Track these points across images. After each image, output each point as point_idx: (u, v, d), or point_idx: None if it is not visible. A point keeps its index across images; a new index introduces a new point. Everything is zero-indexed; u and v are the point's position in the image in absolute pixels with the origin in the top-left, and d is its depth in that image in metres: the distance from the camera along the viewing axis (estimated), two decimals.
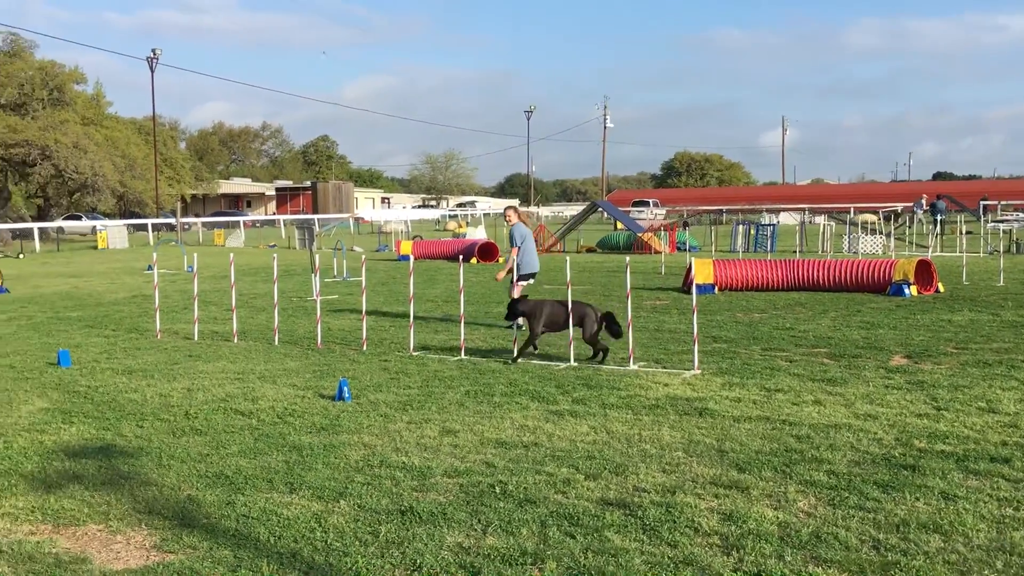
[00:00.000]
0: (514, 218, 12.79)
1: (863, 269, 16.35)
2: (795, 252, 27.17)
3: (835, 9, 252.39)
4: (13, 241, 43.20)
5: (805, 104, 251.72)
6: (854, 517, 5.08)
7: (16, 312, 15.59)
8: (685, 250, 28.40)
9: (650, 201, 68.96)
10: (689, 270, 17.14)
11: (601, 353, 9.98)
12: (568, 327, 9.98)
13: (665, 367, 9.60)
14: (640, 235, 29.45)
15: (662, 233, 28.85)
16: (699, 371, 9.27)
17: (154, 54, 50.02)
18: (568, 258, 11.30)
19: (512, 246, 12.38)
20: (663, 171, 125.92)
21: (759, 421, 7.21)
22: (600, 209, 35.93)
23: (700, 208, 60.52)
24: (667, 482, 5.74)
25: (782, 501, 5.36)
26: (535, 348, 10.36)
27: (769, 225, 31.36)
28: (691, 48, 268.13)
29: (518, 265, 12.11)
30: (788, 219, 52.06)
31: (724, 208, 53.57)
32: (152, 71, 50.33)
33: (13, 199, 52.94)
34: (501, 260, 25.79)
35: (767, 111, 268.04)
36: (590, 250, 30.54)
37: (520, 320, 10.71)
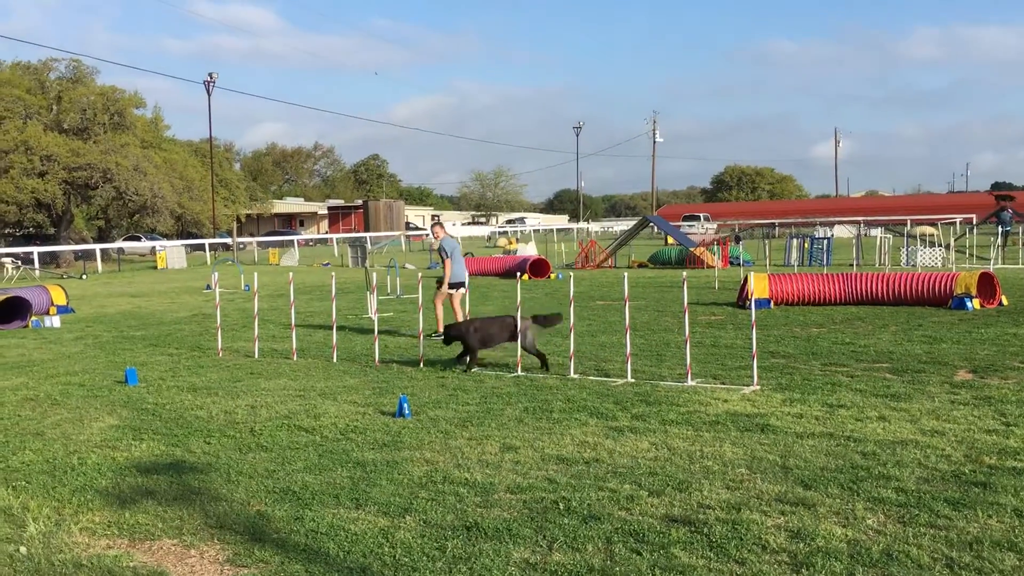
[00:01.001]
0: (441, 233, 13.99)
1: (923, 282, 16.07)
2: (851, 265, 26.78)
3: (890, 19, 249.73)
4: (76, 262, 44.38)
5: (858, 115, 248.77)
6: (925, 535, 5.00)
7: (83, 331, 16.01)
8: (738, 264, 28.16)
9: (701, 215, 68.48)
10: (744, 284, 17.01)
11: (542, 360, 10.57)
12: (503, 341, 10.73)
13: (723, 383, 9.54)
14: (692, 250, 29.27)
15: (715, 247, 28.64)
16: (758, 387, 9.19)
17: (211, 78, 51.20)
18: (626, 274, 11.29)
19: (444, 259, 13.40)
20: (713, 185, 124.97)
21: (822, 437, 7.13)
22: (651, 224, 35.78)
23: (752, 222, 59.96)
24: (731, 499, 5.70)
25: (850, 518, 5.30)
26: (473, 365, 10.83)
27: (824, 238, 30.95)
28: (743, 61, 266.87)
29: (454, 274, 13.27)
30: (842, 232, 51.31)
31: (776, 221, 53.03)
32: (209, 94, 51.53)
33: (76, 221, 54.41)
34: (553, 276, 25.84)
35: (819, 123, 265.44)
36: (641, 265, 30.43)
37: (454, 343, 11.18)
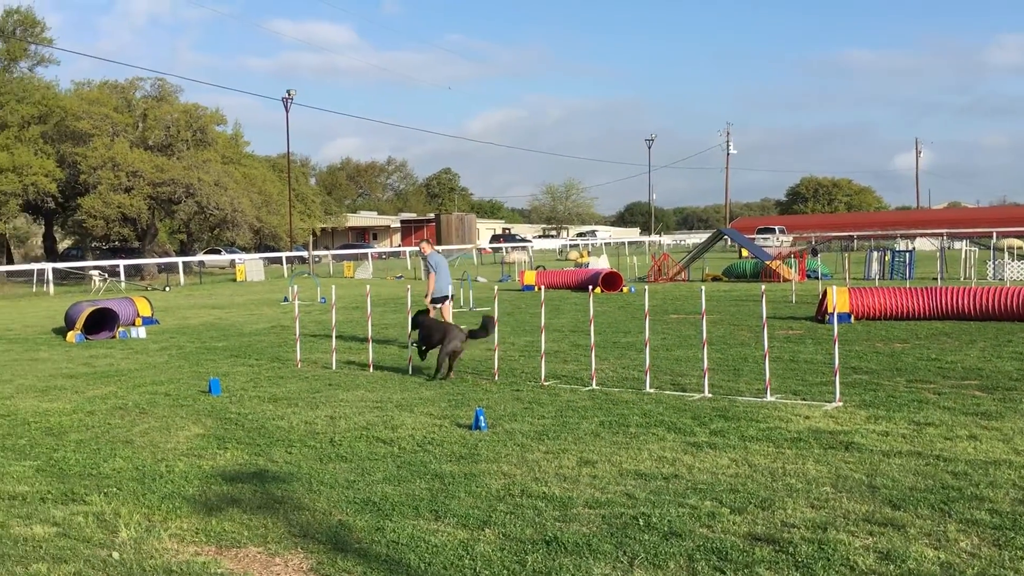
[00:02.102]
0: (428, 249, 14.76)
1: (1013, 297, 15.51)
2: (935, 279, 26.02)
3: (973, 27, 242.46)
4: (160, 274, 45.76)
5: (940, 125, 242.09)
6: (1023, 559, 4.81)
7: (167, 342, 16.48)
8: (815, 278, 27.60)
9: (776, 228, 67.37)
10: (823, 298, 16.66)
11: (449, 367, 11.33)
12: (438, 344, 11.37)
13: (804, 399, 9.34)
14: (768, 263, 28.80)
15: (791, 260, 28.13)
16: (841, 403, 8.98)
17: (289, 95, 52.33)
18: (703, 287, 11.17)
19: (429, 272, 14.22)
20: (788, 197, 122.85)
21: (910, 456, 6.93)
22: (725, 237, 35.34)
23: (829, 234, 58.75)
24: (817, 518, 5.57)
25: (942, 540, 5.13)
26: (422, 358, 11.82)
27: (906, 251, 30.14)
28: (820, 70, 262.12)
29: (438, 288, 14.10)
30: (925, 245, 49.91)
31: (855, 234, 51.85)
32: (287, 110, 52.68)
33: (159, 235, 56.16)
34: (626, 290, 25.70)
35: (899, 133, 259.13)
36: (715, 278, 30.05)
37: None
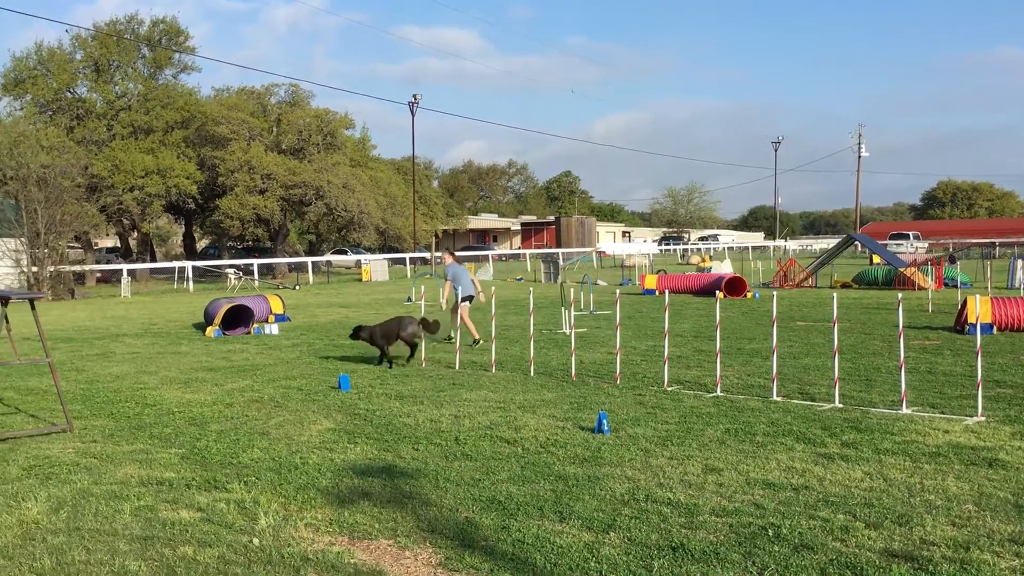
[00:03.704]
0: (449, 260, 16.60)
1: None
2: None
3: None
4: (290, 273, 47.52)
5: None
6: None
7: (298, 339, 17.10)
8: (954, 286, 26.32)
9: (910, 233, 64.60)
10: (963, 308, 15.89)
11: (412, 349, 13.06)
12: (398, 338, 12.93)
13: (943, 412, 8.93)
14: (902, 270, 27.64)
15: (927, 268, 26.92)
16: (983, 418, 8.54)
17: (415, 99, 53.59)
18: (835, 294, 10.80)
19: (446, 279, 16.18)
20: (924, 201, 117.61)
21: None
22: (855, 242, 34.09)
23: (968, 241, 55.92)
24: (958, 536, 5.33)
25: None
26: (389, 363, 13.01)
27: None
28: (964, 70, 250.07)
29: (457, 290, 15.67)
30: None
31: (997, 241, 49.18)
32: (412, 114, 53.95)
33: (290, 235, 58.35)
34: (750, 295, 25.15)
35: None
36: (845, 285, 29.05)
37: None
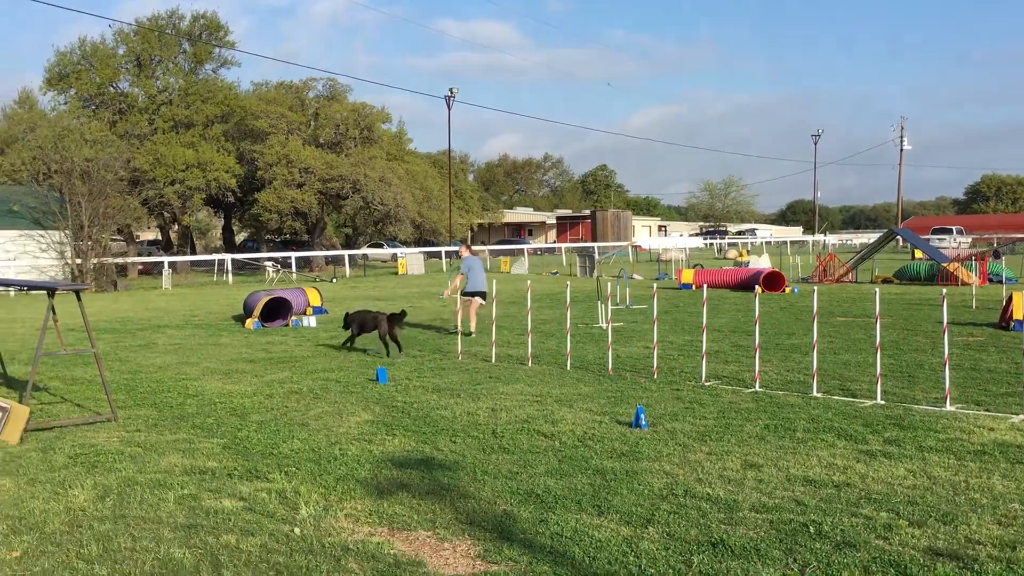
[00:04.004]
0: (465, 253, 17.02)
1: None
2: None
3: None
4: (327, 266, 47.87)
5: None
6: None
7: (336, 331, 17.22)
8: (998, 282, 25.86)
9: (953, 228, 63.55)
10: (1008, 304, 15.61)
11: (392, 346, 13.55)
12: (373, 328, 13.75)
13: (988, 410, 8.79)
14: (945, 265, 27.21)
15: (971, 263, 26.47)
16: None
17: (451, 93, 53.66)
18: (877, 289, 10.65)
19: (459, 273, 16.60)
20: (967, 195, 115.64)
21: None
22: (897, 237, 33.62)
23: (1014, 236, 54.88)
24: (1004, 536, 5.25)
25: None
26: (348, 346, 14.15)
27: None
28: (1009, 61, 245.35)
29: (468, 284, 16.26)
30: None
31: None
32: (449, 109, 54.02)
33: (327, 228, 58.77)
34: (788, 290, 24.91)
35: None
36: (886, 280, 28.65)
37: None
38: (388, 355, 13.34)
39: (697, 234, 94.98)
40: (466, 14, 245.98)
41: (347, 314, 14.39)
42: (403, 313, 14.35)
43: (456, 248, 51.23)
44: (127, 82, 49.73)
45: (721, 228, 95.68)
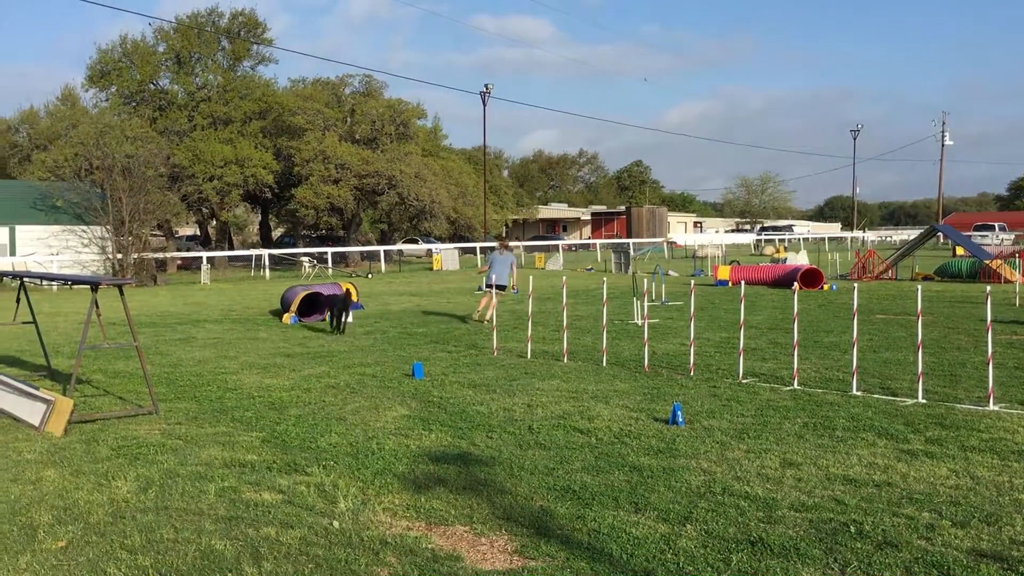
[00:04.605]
0: (501, 247, 18.13)
1: None
2: None
3: None
4: (363, 262, 48.17)
5: None
6: None
7: (372, 327, 17.34)
8: None
9: (995, 225, 62.47)
10: None
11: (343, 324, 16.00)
12: (342, 305, 16.15)
13: None
14: (987, 262, 26.74)
15: (1015, 260, 25.99)
16: None
17: (487, 88, 53.68)
18: (919, 287, 10.49)
19: (488, 265, 17.89)
20: (1010, 191, 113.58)
21: None
22: (938, 233, 33.10)
23: None
24: None
25: None
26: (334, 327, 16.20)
27: None
28: None
29: (491, 276, 17.36)
30: None
31: None
32: (484, 104, 54.06)
33: (363, 224, 59.11)
34: (827, 287, 24.64)
35: None
36: (927, 277, 28.23)
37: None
38: (341, 330, 15.91)
39: (734, 230, 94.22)
40: (502, 10, 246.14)
41: (321, 298, 16.75)
42: (348, 293, 16.89)
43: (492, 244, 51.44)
44: (167, 79, 50.42)
45: (771, 224, 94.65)
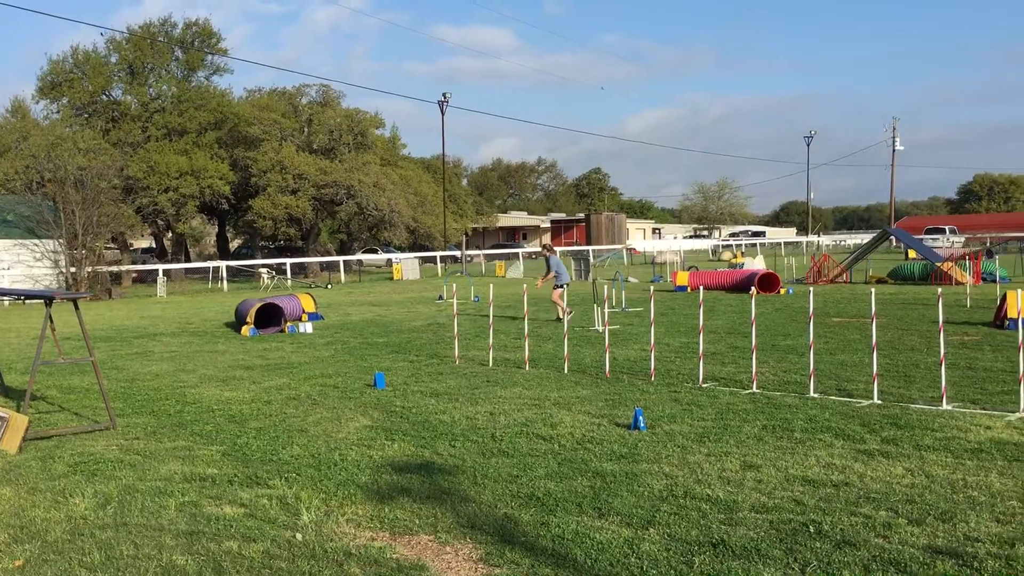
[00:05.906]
0: (549, 253, 19.53)
1: None
2: None
3: None
4: (322, 272, 47.86)
5: None
6: None
7: (332, 337, 17.24)
8: (992, 281, 25.97)
9: (946, 228, 63.77)
10: (1002, 303, 15.69)
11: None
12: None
13: (984, 408, 8.83)
14: (939, 265, 27.31)
15: (965, 262, 26.58)
16: None
17: (444, 98, 53.64)
18: (873, 290, 10.67)
19: (549, 271, 19.12)
20: (959, 195, 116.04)
21: None
22: (891, 237, 33.70)
23: (1007, 235, 55.07)
24: (1003, 533, 5.28)
25: None
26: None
27: None
28: (1002, 63, 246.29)
29: (557, 276, 18.75)
30: None
31: None
32: (443, 113, 54.00)
33: (321, 234, 58.73)
34: (783, 291, 24.97)
35: None
36: (880, 280, 28.74)
37: None
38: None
39: (692, 236, 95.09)
40: (463, 20, 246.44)
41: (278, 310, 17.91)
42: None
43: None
44: (120, 90, 49.75)
45: (705, 231, 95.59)
